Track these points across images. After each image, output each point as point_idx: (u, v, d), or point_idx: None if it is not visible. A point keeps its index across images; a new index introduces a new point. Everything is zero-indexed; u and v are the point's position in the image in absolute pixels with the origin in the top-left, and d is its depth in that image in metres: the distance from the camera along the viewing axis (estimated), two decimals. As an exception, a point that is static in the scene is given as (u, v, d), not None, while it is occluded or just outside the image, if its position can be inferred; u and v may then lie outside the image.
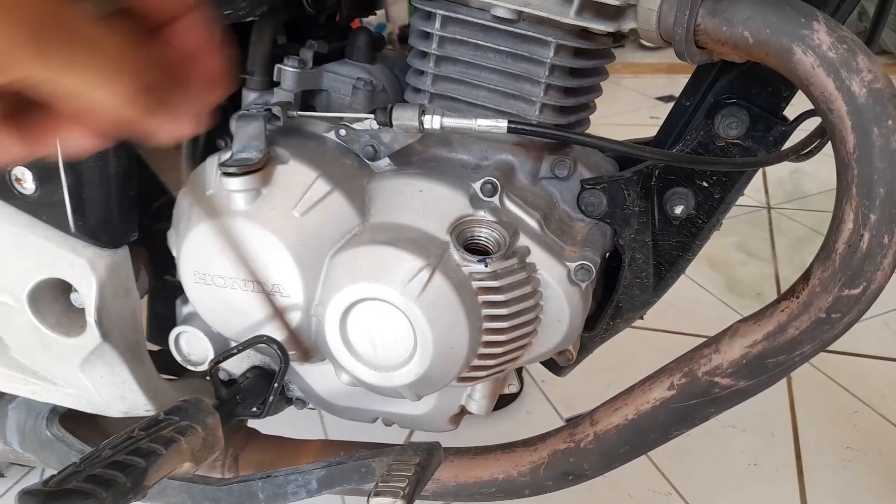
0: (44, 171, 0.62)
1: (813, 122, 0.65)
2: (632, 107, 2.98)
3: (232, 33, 0.71)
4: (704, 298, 1.61)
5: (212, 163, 0.61)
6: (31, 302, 0.67)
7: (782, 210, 1.97)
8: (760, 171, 2.18)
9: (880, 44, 3.18)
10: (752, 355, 0.54)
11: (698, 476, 1.15)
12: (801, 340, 0.52)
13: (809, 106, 0.59)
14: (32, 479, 1.21)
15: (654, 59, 3.53)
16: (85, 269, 0.64)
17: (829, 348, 1.46)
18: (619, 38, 0.66)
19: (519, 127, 0.57)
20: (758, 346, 0.54)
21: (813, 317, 0.51)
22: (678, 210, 0.66)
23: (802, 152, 0.67)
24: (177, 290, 0.78)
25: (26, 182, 0.63)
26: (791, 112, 0.64)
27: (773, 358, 0.54)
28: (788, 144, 0.65)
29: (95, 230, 0.64)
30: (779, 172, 2.18)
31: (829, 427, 1.23)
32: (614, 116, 2.83)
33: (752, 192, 2.06)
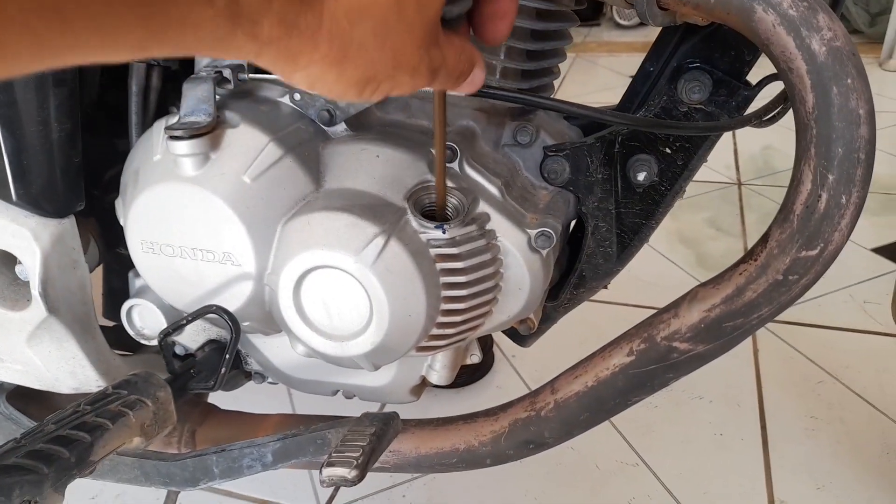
0: (-19, 137, 0.59)
1: (776, 88, 0.65)
2: (607, 85, 2.97)
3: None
4: (675, 273, 1.62)
5: (159, 127, 0.59)
6: (-27, 274, 0.64)
7: (753, 186, 1.98)
8: (732, 148, 2.19)
9: (851, 22, 3.20)
10: (710, 319, 0.54)
11: (665, 447, 1.16)
12: (758, 303, 0.52)
13: (772, 71, 0.59)
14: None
15: (629, 38, 3.53)
16: (28, 239, 0.62)
17: (795, 320, 1.47)
18: (582, 1, 0.64)
19: (481, 90, 0.56)
20: (716, 309, 0.53)
21: (770, 279, 0.51)
22: (641, 177, 0.65)
23: (765, 117, 0.66)
24: (130, 264, 0.76)
25: (-37, 148, 0.60)
26: (754, 77, 0.64)
27: (730, 321, 0.53)
28: (751, 109, 0.65)
29: (38, 199, 0.61)
30: (750, 149, 2.19)
31: (794, 397, 1.24)
32: (590, 95, 2.82)
33: (723, 169, 2.07)
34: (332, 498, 1.10)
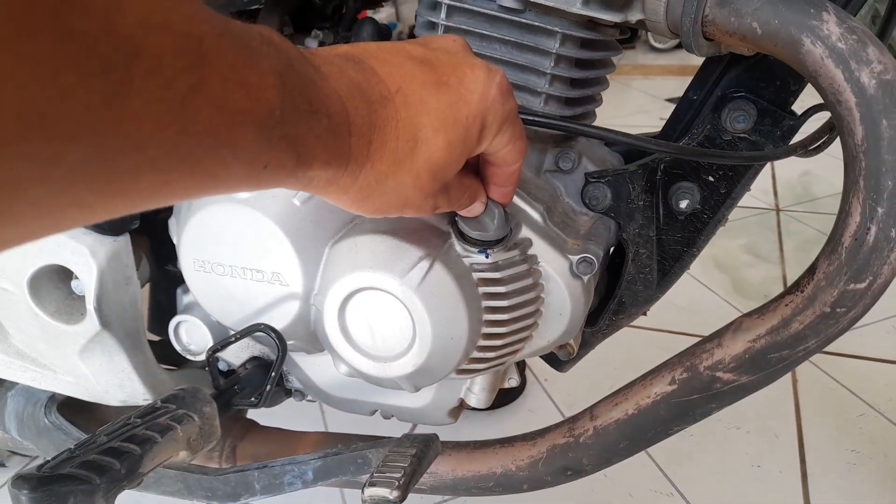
0: (45, 157, 0.62)
1: (821, 118, 0.64)
2: (642, 108, 2.97)
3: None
4: (711, 300, 1.60)
5: (213, 150, 0.61)
6: (32, 289, 0.67)
7: (791, 212, 1.95)
8: (770, 173, 2.17)
9: (893, 45, 3.15)
10: (754, 350, 0.53)
11: (701, 477, 1.14)
12: (805, 335, 0.52)
13: (818, 100, 0.59)
14: (34, 470, 1.21)
15: (664, 62, 3.52)
16: (86, 256, 0.64)
17: (836, 351, 1.45)
18: (625, 31, 0.65)
19: (524, 117, 0.57)
20: (761, 340, 0.53)
21: (817, 311, 0.51)
22: (683, 205, 0.66)
23: (810, 147, 0.66)
24: (178, 280, 0.78)
25: (28, 167, 0.63)
26: (799, 107, 0.64)
27: (776, 353, 0.53)
28: (796, 139, 0.64)
29: (96, 217, 0.64)
30: (788, 175, 2.16)
31: (833, 430, 1.21)
32: (625, 118, 2.82)
33: (761, 195, 2.04)
34: (363, 517, 1.11)
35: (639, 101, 3.09)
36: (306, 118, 0.32)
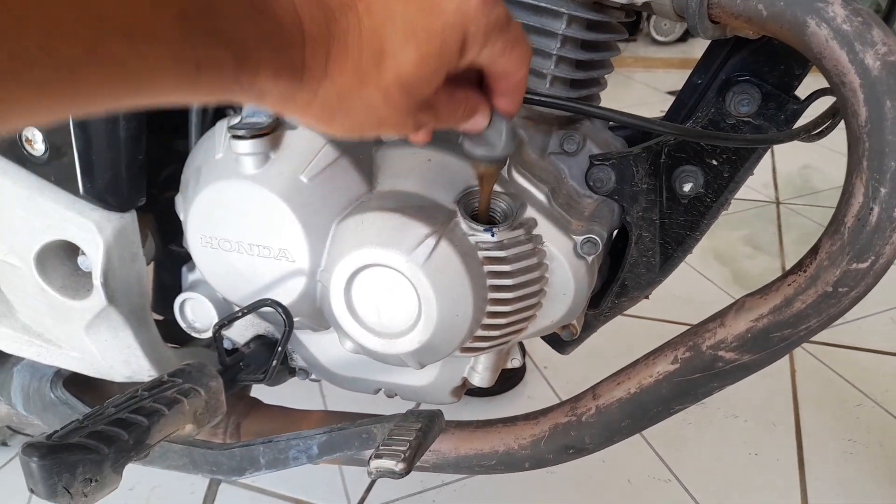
0: (54, 133, 0.62)
1: (825, 102, 0.65)
2: (643, 101, 2.97)
3: None
4: (710, 290, 1.60)
5: (221, 127, 0.61)
6: (39, 264, 0.67)
7: (791, 205, 1.96)
8: (770, 166, 2.17)
9: None
10: (757, 329, 0.54)
11: (699, 464, 1.15)
12: (807, 314, 0.52)
13: (821, 86, 0.59)
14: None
15: (666, 54, 3.52)
16: (92, 231, 0.64)
17: (834, 342, 1.45)
18: (631, 14, 0.65)
19: (530, 97, 0.57)
20: (763, 319, 0.54)
21: (820, 290, 0.51)
22: (687, 188, 0.66)
23: (814, 131, 0.66)
24: (182, 260, 0.79)
25: (36, 143, 0.63)
26: (802, 92, 0.64)
27: (778, 332, 0.53)
28: (799, 124, 0.65)
29: (104, 193, 0.64)
30: (788, 168, 2.17)
31: (831, 419, 1.22)
32: (625, 109, 2.81)
33: (762, 187, 2.05)
34: (363, 499, 1.12)
35: (640, 94, 3.09)
36: (245, 15, 0.29)
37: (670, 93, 3.00)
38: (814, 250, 0.54)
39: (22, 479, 0.50)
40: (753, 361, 0.55)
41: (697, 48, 3.47)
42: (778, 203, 1.98)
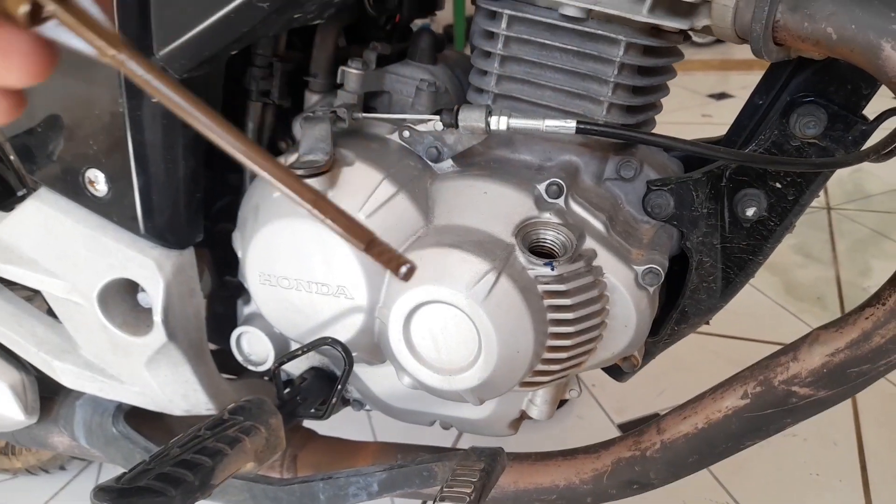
0: (116, 174, 0.63)
1: (892, 122, 0.62)
2: (682, 105, 2.91)
3: (297, 37, 0.72)
4: (762, 302, 1.56)
5: (277, 165, 0.62)
6: (101, 302, 0.68)
7: (843, 211, 1.90)
8: (818, 170, 2.11)
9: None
10: (833, 364, 0.52)
11: (758, 486, 1.12)
12: (887, 349, 0.50)
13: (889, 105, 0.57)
14: (91, 473, 1.25)
15: (705, 56, 3.45)
16: (153, 269, 0.65)
17: None
18: (689, 37, 0.64)
19: (588, 127, 0.56)
20: (840, 354, 0.52)
21: (902, 325, 0.49)
22: (750, 212, 0.64)
23: (883, 152, 0.64)
24: (236, 291, 0.79)
25: (99, 184, 0.65)
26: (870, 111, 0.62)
27: (856, 367, 0.51)
28: (867, 144, 0.62)
29: (164, 231, 0.65)
30: (839, 172, 2.09)
31: (895, 436, 1.18)
32: (664, 115, 2.75)
33: (810, 193, 1.99)
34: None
35: (679, 98, 3.03)
36: None
37: (710, 95, 2.94)
38: (893, 281, 0.51)
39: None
40: (829, 397, 0.53)
41: (737, 50, 3.40)
42: (829, 209, 1.92)
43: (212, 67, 0.59)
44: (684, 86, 3.18)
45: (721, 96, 2.92)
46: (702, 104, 2.92)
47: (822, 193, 2.00)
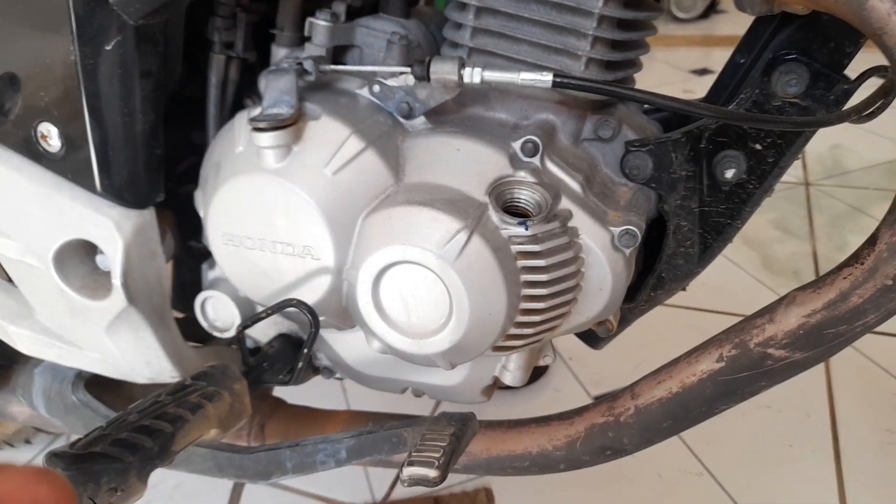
0: (69, 127, 0.60)
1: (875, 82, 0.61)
2: (665, 80, 2.90)
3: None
4: (739, 276, 1.56)
5: (241, 119, 0.59)
6: (57, 263, 0.65)
7: (821, 186, 1.90)
8: (797, 146, 2.11)
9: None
10: (809, 325, 0.51)
11: (731, 457, 1.12)
12: (864, 309, 0.49)
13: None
14: (57, 447, 1.22)
15: (688, 32, 3.43)
16: (111, 229, 0.62)
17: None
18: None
19: (565, 80, 0.54)
20: (816, 315, 0.51)
21: (879, 284, 0.48)
22: (729, 174, 0.63)
23: (864, 112, 0.62)
24: (201, 256, 0.77)
25: (52, 139, 0.61)
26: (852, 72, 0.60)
27: (832, 328, 0.50)
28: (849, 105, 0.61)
29: (122, 190, 0.62)
30: (818, 148, 2.11)
31: (868, 409, 1.19)
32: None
33: (790, 168, 1.99)
34: (387, 496, 1.10)
35: (662, 73, 3.02)
36: None
37: (693, 71, 2.93)
38: (871, 241, 0.50)
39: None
40: (805, 359, 0.52)
41: (720, 25, 3.38)
42: (807, 184, 1.93)
43: (170, 14, 0.56)
44: (667, 61, 3.17)
45: (703, 72, 2.91)
46: (684, 79, 2.91)
47: (800, 169, 2.01)
